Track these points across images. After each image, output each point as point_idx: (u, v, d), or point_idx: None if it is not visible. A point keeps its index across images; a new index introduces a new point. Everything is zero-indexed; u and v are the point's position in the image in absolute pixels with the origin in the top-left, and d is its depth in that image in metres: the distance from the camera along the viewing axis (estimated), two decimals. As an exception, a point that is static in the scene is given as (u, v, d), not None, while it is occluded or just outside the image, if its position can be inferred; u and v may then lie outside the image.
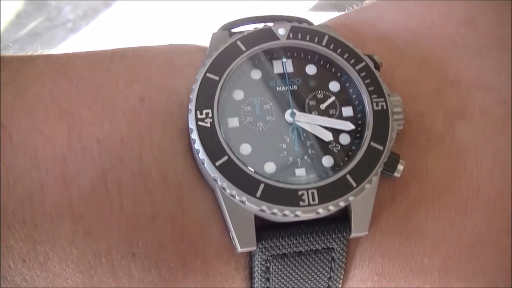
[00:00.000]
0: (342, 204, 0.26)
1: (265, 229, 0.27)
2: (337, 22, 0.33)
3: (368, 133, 0.28)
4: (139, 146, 0.27)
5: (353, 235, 0.28)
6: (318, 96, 0.29)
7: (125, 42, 0.31)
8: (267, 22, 0.31)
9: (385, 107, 0.28)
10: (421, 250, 0.29)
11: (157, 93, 0.28)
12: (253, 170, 0.27)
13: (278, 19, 0.31)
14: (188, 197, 0.27)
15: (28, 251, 0.25)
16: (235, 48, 0.29)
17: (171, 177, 0.27)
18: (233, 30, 0.31)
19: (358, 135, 0.28)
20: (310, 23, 0.31)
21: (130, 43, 0.31)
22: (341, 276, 0.29)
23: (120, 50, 0.30)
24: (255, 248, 0.27)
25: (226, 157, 0.26)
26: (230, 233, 0.27)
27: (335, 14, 0.35)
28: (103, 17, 1.15)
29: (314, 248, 0.28)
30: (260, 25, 0.30)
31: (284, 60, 0.30)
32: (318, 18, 0.35)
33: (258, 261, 0.28)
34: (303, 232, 0.27)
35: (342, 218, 0.28)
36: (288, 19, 0.31)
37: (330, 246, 0.28)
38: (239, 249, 0.27)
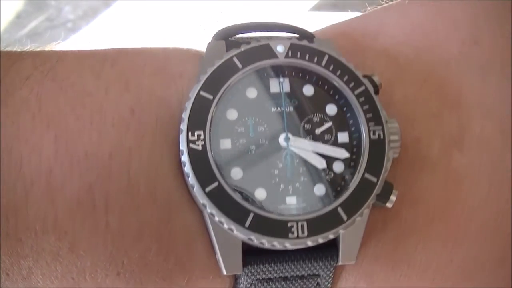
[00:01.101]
0: (331, 236, 0.26)
1: (252, 253, 0.27)
2: (338, 32, 0.32)
3: (362, 163, 0.27)
4: (127, 161, 0.26)
5: (340, 263, 0.27)
6: (314, 119, 0.28)
7: (124, 43, 0.30)
8: (265, 30, 0.29)
9: (382, 136, 0.27)
10: (406, 280, 0.28)
11: (148, 104, 0.27)
12: (243, 198, 0.26)
13: (276, 28, 0.29)
14: (176, 217, 0.26)
15: (11, 265, 0.25)
16: (231, 65, 0.28)
17: (160, 195, 0.26)
18: (230, 39, 0.29)
19: (352, 163, 0.27)
20: (310, 36, 0.30)
21: (129, 44, 0.30)
22: None
23: (112, 53, 0.29)
24: (241, 272, 0.26)
25: (216, 183, 0.26)
26: (216, 256, 0.26)
27: (335, 14, 0.33)
28: (103, 17, 1.14)
29: (300, 274, 0.27)
30: (257, 34, 0.29)
31: (281, 79, 0.28)
32: (318, 18, 0.34)
33: (243, 284, 0.27)
34: (290, 259, 0.27)
35: (330, 245, 0.27)
36: (288, 28, 0.30)
37: (316, 273, 0.27)
38: (225, 273, 0.26)
